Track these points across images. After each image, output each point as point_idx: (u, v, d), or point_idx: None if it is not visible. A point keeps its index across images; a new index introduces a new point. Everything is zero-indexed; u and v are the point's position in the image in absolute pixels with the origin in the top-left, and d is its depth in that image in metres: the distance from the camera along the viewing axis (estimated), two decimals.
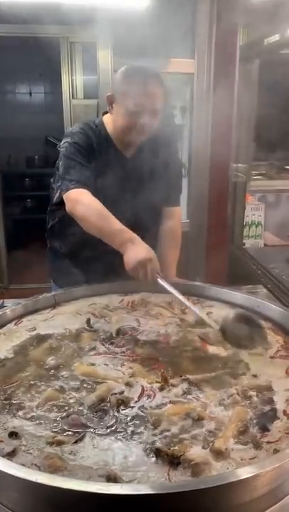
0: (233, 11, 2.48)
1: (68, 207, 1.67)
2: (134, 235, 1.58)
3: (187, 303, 1.54)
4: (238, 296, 1.67)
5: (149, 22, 3.01)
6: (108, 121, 1.80)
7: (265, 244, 3.91)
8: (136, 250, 1.55)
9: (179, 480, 0.86)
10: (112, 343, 1.38)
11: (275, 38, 2.27)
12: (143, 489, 0.77)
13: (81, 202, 1.64)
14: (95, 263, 1.78)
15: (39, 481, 0.78)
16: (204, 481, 0.79)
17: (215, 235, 3.02)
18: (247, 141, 2.72)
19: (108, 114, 1.80)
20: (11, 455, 0.93)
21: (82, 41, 4.53)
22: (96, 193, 1.67)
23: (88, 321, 1.51)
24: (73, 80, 4.79)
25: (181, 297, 1.55)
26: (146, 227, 1.78)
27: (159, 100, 1.67)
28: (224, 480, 0.79)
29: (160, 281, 1.58)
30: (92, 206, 1.62)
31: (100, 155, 1.76)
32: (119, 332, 1.43)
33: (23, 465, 0.90)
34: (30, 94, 7.19)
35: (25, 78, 6.92)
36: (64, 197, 1.69)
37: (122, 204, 1.76)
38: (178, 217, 2.00)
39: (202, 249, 3.22)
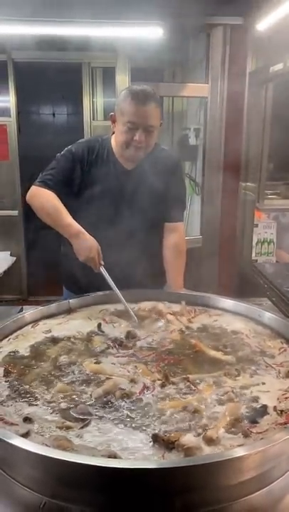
0: (243, 39, 2.64)
1: (28, 196, 1.94)
2: (80, 230, 1.81)
3: (120, 296, 1.73)
4: (241, 306, 1.76)
5: (165, 49, 3.21)
6: (114, 139, 1.98)
7: (277, 262, 3.99)
8: (82, 245, 1.80)
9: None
10: (120, 345, 1.49)
11: (280, 66, 2.42)
12: (138, 464, 0.87)
13: (40, 195, 1.89)
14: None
15: (48, 454, 0.90)
16: (193, 459, 0.89)
17: (226, 251, 3.12)
18: (257, 161, 2.84)
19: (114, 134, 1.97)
20: (24, 436, 1.04)
21: (103, 66, 4.78)
22: (94, 201, 1.88)
23: (99, 325, 1.63)
24: (94, 102, 5.03)
25: (116, 290, 1.74)
26: (142, 238, 1.92)
27: (153, 118, 1.84)
28: (211, 459, 0.89)
29: (102, 271, 1.78)
30: (49, 200, 1.87)
31: (100, 165, 1.95)
32: (128, 335, 1.55)
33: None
34: (54, 115, 7.51)
35: (48, 100, 7.24)
36: (32, 186, 1.94)
37: (118, 213, 1.93)
38: (181, 231, 2.12)
39: (214, 264, 3.32)
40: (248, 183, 2.91)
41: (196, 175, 3.80)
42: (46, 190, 1.89)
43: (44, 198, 1.88)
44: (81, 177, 1.94)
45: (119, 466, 0.87)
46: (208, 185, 3.39)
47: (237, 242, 3.01)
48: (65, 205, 1.87)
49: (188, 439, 1.02)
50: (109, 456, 0.97)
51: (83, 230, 1.82)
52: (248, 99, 2.91)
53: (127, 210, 1.95)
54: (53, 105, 7.40)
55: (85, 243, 1.80)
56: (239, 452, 0.91)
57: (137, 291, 1.85)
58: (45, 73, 5.30)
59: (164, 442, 1.01)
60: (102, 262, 1.81)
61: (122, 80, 3.66)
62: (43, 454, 0.90)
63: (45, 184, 1.91)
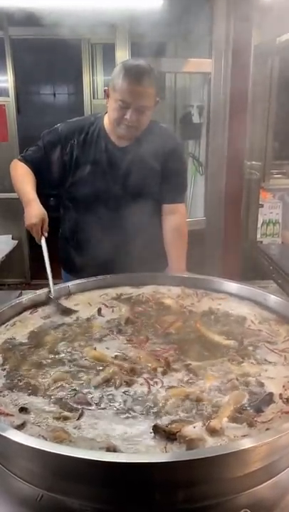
0: (247, 10, 2.52)
1: (10, 167, 1.99)
2: (32, 199, 1.82)
3: (49, 274, 1.69)
4: (245, 289, 1.71)
5: (166, 23, 3.08)
6: (107, 117, 1.90)
7: (282, 243, 3.92)
8: (30, 212, 1.79)
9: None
10: (120, 331, 1.45)
11: (286, 36, 2.30)
12: (138, 458, 0.83)
13: (15, 168, 1.96)
14: (91, 249, 1.88)
15: (43, 448, 0.86)
16: (195, 453, 0.85)
17: (230, 232, 3.05)
18: (262, 139, 2.74)
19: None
20: (20, 427, 1.00)
21: (103, 42, 4.64)
22: (85, 181, 1.83)
23: (99, 310, 1.58)
24: (94, 81, 4.90)
25: (48, 266, 1.71)
26: (139, 220, 1.86)
27: (145, 98, 1.76)
28: (214, 452, 0.84)
29: (42, 243, 1.76)
30: (20, 171, 1.92)
31: (90, 144, 1.88)
32: (128, 321, 1.50)
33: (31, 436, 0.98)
34: (54, 95, 7.36)
35: (49, 80, 7.09)
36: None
37: (111, 193, 1.87)
38: (182, 213, 2.03)
39: (218, 246, 3.25)
40: (253, 162, 2.82)
41: (199, 154, 3.70)
42: (22, 163, 1.94)
43: (17, 171, 1.93)
44: (66, 157, 1.90)
45: (117, 461, 0.83)
46: (212, 165, 3.30)
47: (242, 223, 2.93)
48: (53, 186, 1.88)
49: (191, 430, 0.98)
50: (109, 449, 0.93)
51: (36, 198, 1.82)
52: (253, 74, 2.79)
53: (121, 191, 1.88)
54: (53, 85, 7.25)
55: (33, 210, 1.78)
56: (244, 445, 0.86)
57: (136, 275, 1.80)
58: (44, 51, 5.16)
59: (166, 433, 0.97)
60: (46, 234, 1.79)
61: (122, 56, 3.54)
62: (38, 447, 0.86)
63: (24, 158, 1.96)
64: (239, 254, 2.95)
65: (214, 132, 3.31)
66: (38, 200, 1.83)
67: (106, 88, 1.84)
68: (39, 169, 1.93)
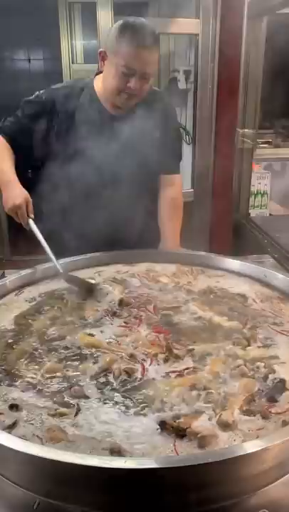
0: None
1: None
2: (12, 178, 1.64)
3: (50, 253, 1.54)
4: (244, 265, 1.62)
5: None
6: (99, 80, 1.72)
7: (270, 214, 3.84)
8: (10, 194, 1.61)
9: (185, 452, 0.84)
10: (115, 314, 1.34)
11: None
12: (148, 463, 0.74)
13: None
14: (81, 227, 1.70)
15: (39, 454, 0.76)
16: (212, 454, 0.76)
17: (220, 205, 2.94)
18: (254, 106, 2.61)
19: (100, 75, 1.72)
20: (11, 427, 0.90)
21: (81, 1, 4.34)
22: (76, 153, 1.64)
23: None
24: (73, 45, 4.62)
25: (46, 246, 1.56)
26: (134, 193, 1.72)
27: (152, 64, 1.59)
28: (232, 454, 0.76)
29: (31, 225, 1.60)
30: None
31: (81, 112, 1.70)
32: (122, 303, 1.39)
33: (23, 436, 0.88)
34: (29, 60, 6.96)
35: (23, 44, 6.68)
36: None
37: (105, 165, 1.68)
38: (178, 185, 1.92)
39: (207, 219, 3.15)
40: (245, 130, 2.68)
41: (186, 122, 3.53)
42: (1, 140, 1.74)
43: None
44: (53, 129, 1.71)
45: (127, 467, 0.73)
46: (200, 134, 3.15)
47: (232, 195, 2.82)
48: (39, 159, 1.69)
49: (202, 425, 0.89)
50: (113, 450, 0.84)
51: (16, 179, 1.65)
52: (246, 36, 2.61)
53: (116, 162, 1.73)
54: (27, 50, 6.85)
55: (13, 192, 1.62)
56: (262, 444, 0.78)
57: (129, 252, 1.69)
58: (16, 12, 4.81)
59: (174, 430, 0.88)
60: (32, 216, 1.63)
61: (105, 17, 3.29)
62: (34, 454, 0.76)
63: (1, 130, 1.75)
64: (230, 228, 2.86)
65: (202, 99, 3.14)
66: (17, 180, 1.65)
67: (101, 50, 1.62)
68: (19, 143, 1.73)
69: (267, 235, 2.16)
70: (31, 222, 1.61)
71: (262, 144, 4.40)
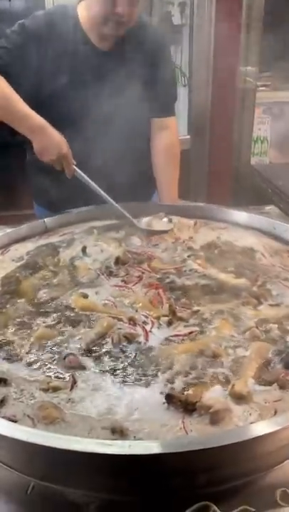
0: None
1: None
2: (44, 122, 1.42)
3: (110, 199, 1.46)
4: (251, 217, 1.49)
5: None
6: (83, 8, 1.50)
7: (270, 163, 3.66)
8: (50, 142, 1.42)
9: (196, 430, 0.74)
10: (111, 273, 1.22)
11: None
12: (155, 447, 0.64)
13: None
14: (75, 179, 1.51)
15: (29, 440, 0.66)
16: (228, 436, 0.66)
17: (219, 152, 2.76)
18: (257, 41, 2.36)
19: (83, 1, 1.50)
20: None
21: None
22: (61, 93, 1.46)
23: (84, 249, 1.34)
24: None
25: (103, 193, 1.45)
26: (125, 139, 1.55)
27: None
28: (250, 434, 0.67)
29: (77, 172, 1.46)
30: (3, 85, 1.41)
31: (65, 43, 1.49)
32: (118, 261, 1.27)
33: (14, 416, 0.78)
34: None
35: None
36: None
37: (92, 107, 1.51)
38: (173, 128, 1.74)
39: (204, 168, 2.97)
40: (248, 68, 2.44)
41: (181, 63, 3.26)
42: None
43: None
44: (39, 60, 1.48)
45: (130, 453, 0.64)
46: (196, 75, 2.91)
47: (233, 141, 2.63)
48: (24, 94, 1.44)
49: (212, 397, 0.80)
50: (114, 430, 0.74)
51: (46, 122, 1.43)
52: None
53: (104, 103, 1.54)
54: None
55: (51, 139, 1.42)
56: (282, 421, 0.69)
57: (125, 205, 1.54)
58: None
59: (182, 403, 0.79)
60: (74, 162, 1.47)
61: None
62: (22, 439, 0.66)
63: None
64: (230, 177, 2.70)
65: (199, 35, 2.88)
66: (49, 124, 1.43)
67: None
68: (15, 78, 1.46)
69: (271, 183, 2.01)
70: (77, 170, 1.46)
71: (261, 86, 4.14)
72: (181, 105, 3.30)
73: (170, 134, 1.69)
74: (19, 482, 0.77)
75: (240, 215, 1.50)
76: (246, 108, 2.46)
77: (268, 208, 1.85)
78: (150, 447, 0.64)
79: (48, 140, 1.42)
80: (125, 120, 1.50)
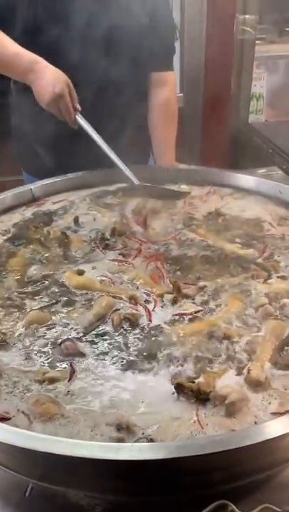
0: None
1: None
2: (36, 57, 1.23)
3: (109, 152, 1.29)
4: (254, 181, 1.38)
5: None
6: None
7: (266, 121, 3.50)
8: (45, 81, 1.22)
9: (212, 424, 0.67)
10: (107, 246, 1.12)
11: None
12: (171, 450, 0.57)
13: None
14: (68, 143, 1.36)
15: (27, 446, 0.58)
16: (250, 434, 0.59)
17: (215, 110, 2.59)
18: None
19: None
20: None
21: None
22: (54, 48, 1.27)
23: (76, 219, 1.23)
24: None
25: (103, 144, 1.28)
26: (119, 94, 1.41)
27: None
28: (275, 432, 0.59)
29: (79, 120, 1.28)
30: None
31: None
32: (114, 232, 1.17)
33: (7, 413, 0.70)
34: None
35: None
36: None
37: (85, 60, 1.35)
38: (172, 84, 1.60)
39: (198, 128, 2.81)
40: (246, 16, 2.25)
41: (172, 11, 3.03)
42: None
43: None
44: (25, 12, 1.30)
45: (140, 459, 0.56)
46: (189, 25, 2.69)
47: (229, 98, 2.47)
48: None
49: (228, 386, 0.72)
50: (120, 426, 0.66)
51: (41, 58, 1.24)
52: None
53: (96, 54, 1.38)
54: None
55: (48, 76, 1.22)
56: None
57: (117, 170, 1.41)
58: None
59: (194, 393, 0.71)
60: (78, 107, 1.29)
61: None
62: (18, 445, 0.58)
63: None
64: (226, 137, 2.55)
65: None
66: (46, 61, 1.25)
67: None
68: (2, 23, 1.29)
69: (272, 143, 1.89)
70: (79, 117, 1.27)
71: (256, 40, 3.91)
72: (174, 59, 3.10)
73: (168, 90, 1.55)
74: (16, 483, 0.70)
75: (244, 179, 1.39)
76: (245, 61, 2.28)
77: (271, 170, 1.75)
78: (163, 450, 0.57)
79: (44, 79, 1.23)
80: (120, 74, 1.36)
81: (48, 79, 1.22)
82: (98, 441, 0.65)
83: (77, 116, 1.29)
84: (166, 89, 1.55)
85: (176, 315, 0.89)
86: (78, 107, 1.30)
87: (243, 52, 2.26)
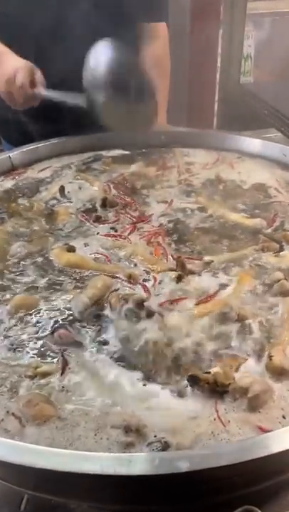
0: None
1: None
2: (3, 50, 1.16)
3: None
4: (256, 144, 1.27)
5: None
6: None
7: (254, 83, 3.34)
8: (7, 65, 1.14)
9: (234, 421, 0.58)
10: (98, 219, 1.01)
11: None
12: (200, 460, 0.48)
13: None
14: (50, 110, 1.21)
15: (24, 462, 0.48)
16: (282, 438, 0.50)
17: (202, 70, 2.43)
18: None
19: None
20: None
21: None
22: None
23: (62, 189, 1.10)
24: None
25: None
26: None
27: None
28: None
29: (44, 91, 1.15)
30: None
31: None
32: (105, 203, 1.05)
33: None
34: None
35: None
36: None
37: (71, 17, 1.21)
38: (164, 37, 1.45)
39: (185, 89, 2.64)
40: None
41: None
42: None
43: None
44: None
45: (158, 473, 0.47)
46: None
47: (219, 58, 2.30)
48: None
49: (248, 376, 0.63)
50: (128, 428, 0.57)
51: (7, 49, 1.16)
52: None
53: (88, 12, 1.22)
54: None
55: (10, 62, 1.14)
56: None
57: (105, 135, 1.28)
58: None
59: (210, 386, 0.62)
60: (43, 82, 1.16)
61: None
62: (13, 462, 0.49)
63: None
64: (214, 99, 2.41)
65: None
66: (9, 51, 1.17)
67: None
68: None
69: (268, 104, 1.76)
70: (40, 90, 1.14)
71: None
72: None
73: (160, 45, 1.41)
74: (10, 493, 0.61)
75: (245, 142, 1.27)
76: (236, 16, 2.10)
77: (268, 132, 1.63)
78: (187, 461, 0.48)
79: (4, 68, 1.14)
80: (107, 25, 1.20)
81: (5, 71, 1.13)
82: (104, 447, 0.56)
83: (40, 88, 1.15)
84: (158, 44, 1.41)
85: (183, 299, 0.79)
86: (42, 81, 1.16)
87: (234, 6, 2.08)
